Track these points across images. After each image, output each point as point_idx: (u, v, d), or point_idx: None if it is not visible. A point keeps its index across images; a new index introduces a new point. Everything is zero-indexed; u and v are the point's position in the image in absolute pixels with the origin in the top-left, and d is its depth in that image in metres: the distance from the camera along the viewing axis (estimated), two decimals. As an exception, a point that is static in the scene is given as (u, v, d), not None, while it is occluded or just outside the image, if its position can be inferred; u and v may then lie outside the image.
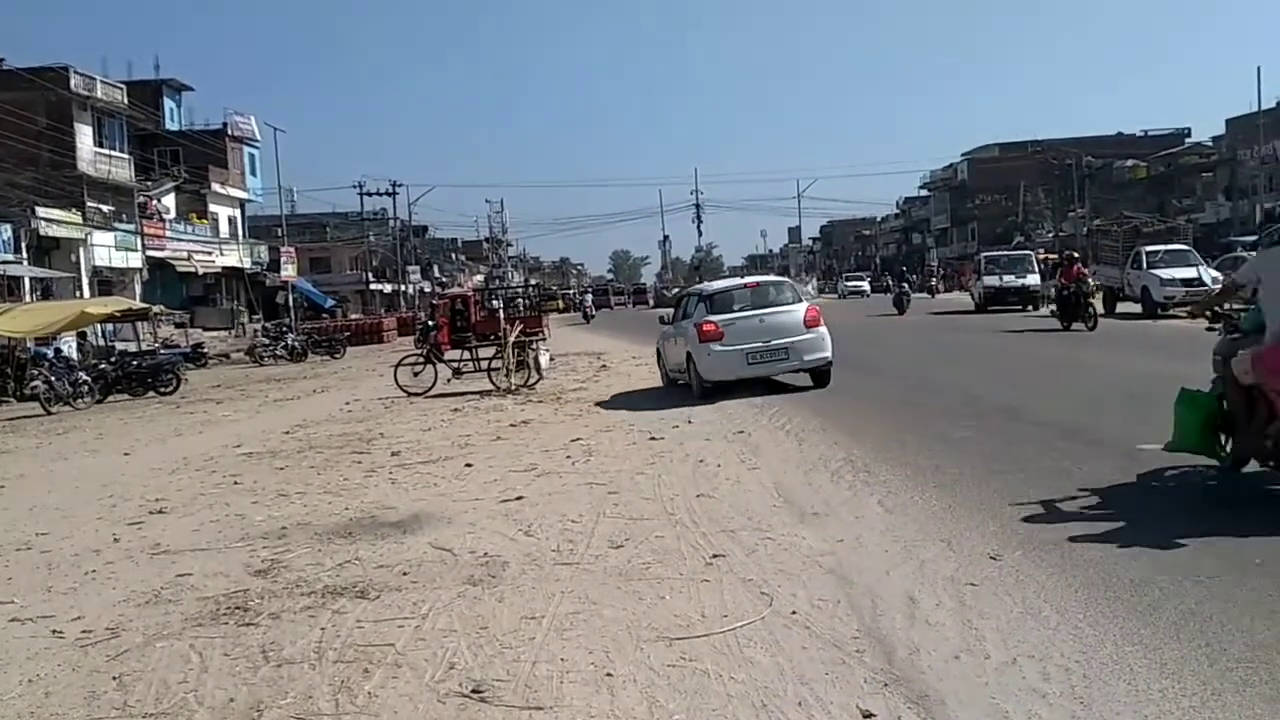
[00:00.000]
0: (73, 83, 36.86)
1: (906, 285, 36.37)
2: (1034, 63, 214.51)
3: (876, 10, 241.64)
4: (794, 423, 10.51)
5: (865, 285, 62.24)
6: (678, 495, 7.29)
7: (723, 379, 13.16)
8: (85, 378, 20.55)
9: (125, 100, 40.75)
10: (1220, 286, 8.11)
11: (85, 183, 37.51)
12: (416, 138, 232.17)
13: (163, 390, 21.69)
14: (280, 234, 49.34)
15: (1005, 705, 3.52)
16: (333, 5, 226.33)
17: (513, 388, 16.03)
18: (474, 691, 3.91)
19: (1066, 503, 6.17)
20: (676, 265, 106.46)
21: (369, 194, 61.67)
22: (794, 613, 4.59)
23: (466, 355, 17.70)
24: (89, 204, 37.48)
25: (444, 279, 78.44)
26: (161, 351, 25.72)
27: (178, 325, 34.74)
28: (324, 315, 51.75)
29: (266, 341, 33.49)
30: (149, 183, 43.49)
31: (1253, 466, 6.25)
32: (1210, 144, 65.01)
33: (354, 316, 53.48)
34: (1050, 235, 63.88)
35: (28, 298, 31.29)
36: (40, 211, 34.10)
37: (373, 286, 65.95)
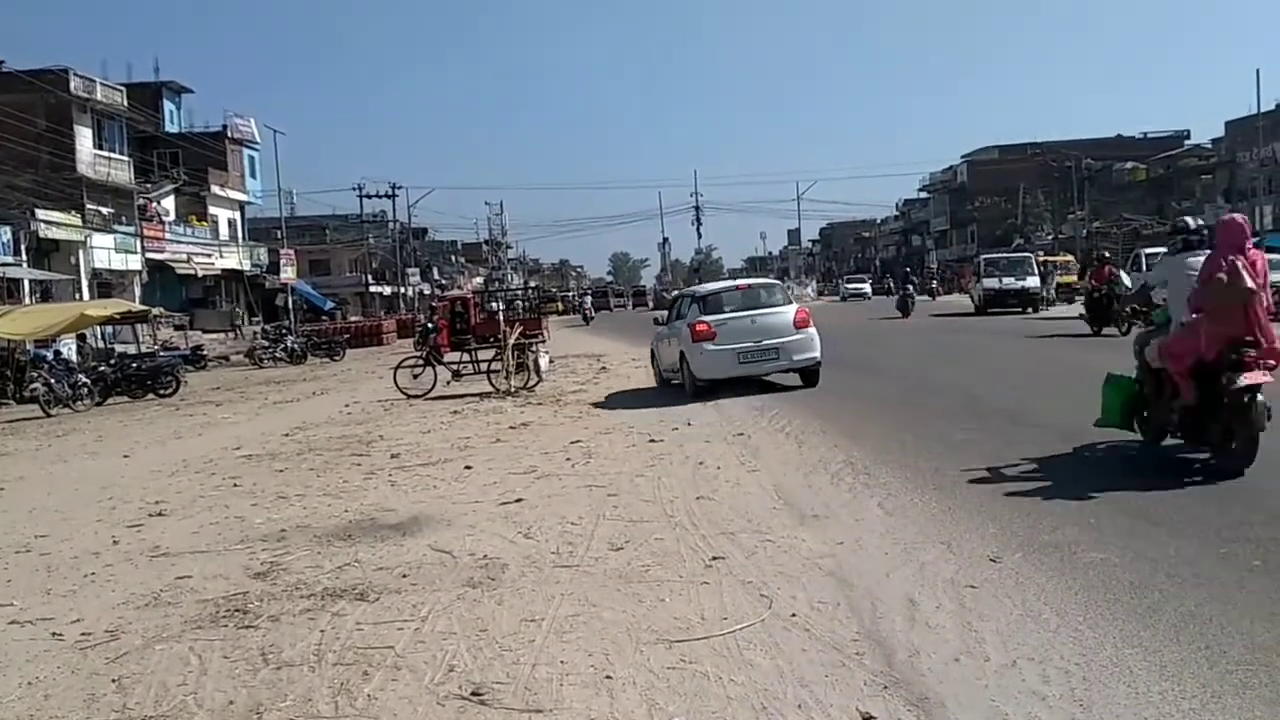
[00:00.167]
0: (72, 85, 36.88)
1: (911, 288, 35.78)
2: (1033, 65, 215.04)
3: (876, 12, 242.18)
4: (794, 425, 10.51)
5: (866, 287, 61.82)
6: (677, 497, 7.28)
7: (715, 377, 13.49)
8: (85, 380, 20.55)
9: (125, 102, 40.76)
10: (1137, 288, 9.59)
11: (85, 185, 37.50)
12: (416, 140, 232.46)
13: (162, 392, 21.69)
14: (280, 236, 49.38)
15: (1005, 708, 3.52)
16: (332, 7, 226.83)
17: (512, 390, 16.03)
18: (473, 694, 3.91)
19: (1008, 469, 7.27)
20: (676, 267, 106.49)
21: (368, 196, 61.62)
22: (794, 615, 4.59)
23: (466, 357, 17.70)
24: (88, 206, 37.48)
25: (443, 281, 78.49)
26: (161, 354, 25.73)
27: (177, 327, 34.75)
28: (323, 317, 51.74)
29: (266, 344, 33.48)
30: (148, 185, 43.49)
31: (1169, 441, 7.26)
32: (1209, 146, 65.09)
33: (353, 319, 53.46)
34: (1050, 237, 63.94)
35: (27, 300, 31.28)
36: (40, 214, 34.10)
37: (372, 289, 65.95)
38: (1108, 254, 23.23)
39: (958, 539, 5.65)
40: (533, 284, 43.82)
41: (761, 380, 14.32)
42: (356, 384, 22.00)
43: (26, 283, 32.89)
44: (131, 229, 40.31)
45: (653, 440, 10.12)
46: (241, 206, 52.42)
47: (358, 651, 4.47)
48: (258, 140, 50.94)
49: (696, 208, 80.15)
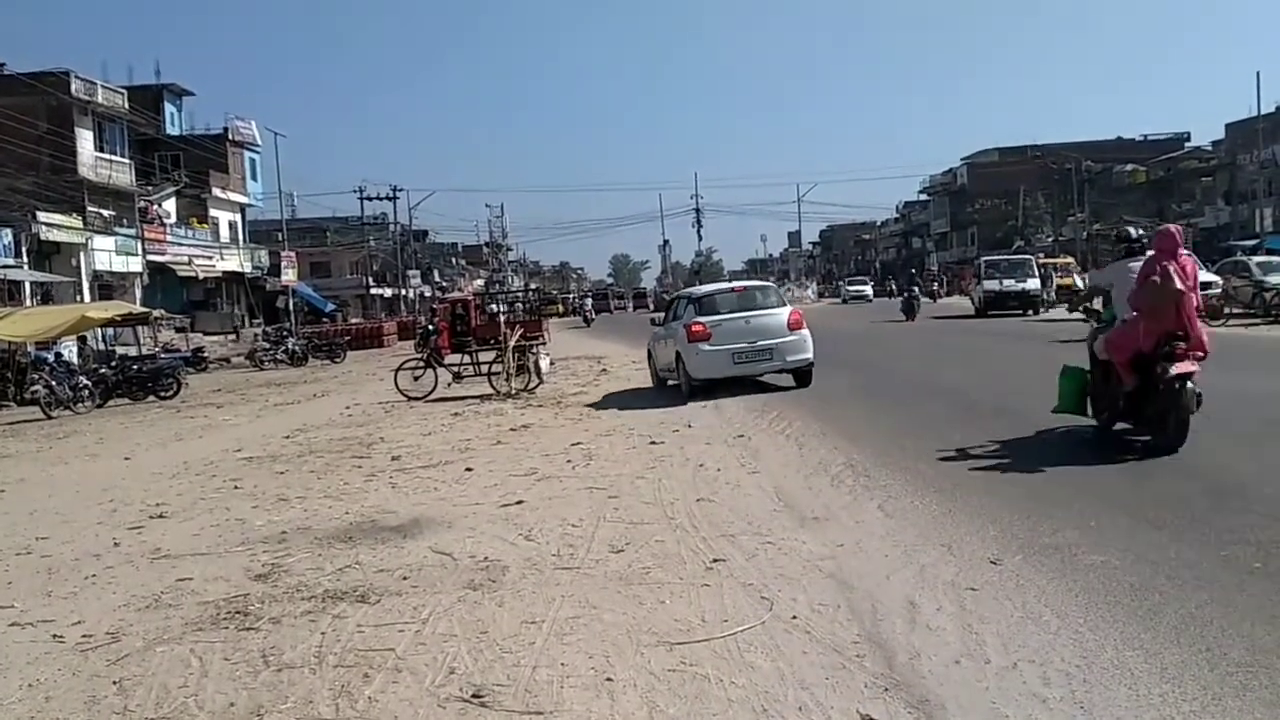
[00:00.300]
0: (73, 88, 36.91)
1: (917, 290, 35.03)
2: (1033, 67, 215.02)
3: (876, 15, 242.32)
4: (794, 427, 10.51)
5: (868, 290, 61.40)
6: (678, 500, 7.28)
7: (710, 377, 13.70)
8: (85, 382, 20.56)
9: (126, 105, 40.79)
10: (1087, 289, 10.84)
11: (86, 187, 37.52)
12: (416, 142, 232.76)
13: (163, 395, 21.70)
14: (281, 238, 49.37)
15: (1006, 710, 3.52)
16: (332, 10, 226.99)
17: (513, 392, 16.04)
18: (474, 696, 3.91)
19: (976, 449, 8.21)
20: (676, 269, 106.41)
21: (369, 199, 61.69)
22: (794, 617, 4.59)
23: (467, 360, 17.70)
24: (89, 208, 37.49)
25: (444, 283, 78.52)
26: (162, 356, 25.74)
27: (178, 330, 34.75)
28: (324, 320, 51.74)
29: (267, 346, 33.49)
30: (149, 187, 43.50)
31: (1120, 426, 8.10)
32: (1210, 148, 65.16)
33: (354, 321, 53.52)
34: (1050, 240, 64.01)
35: (28, 302, 31.31)
36: (41, 216, 34.11)
37: (373, 291, 66.01)
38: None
39: (958, 541, 5.65)
40: (533, 286, 43.82)
41: (761, 382, 14.37)
42: (357, 386, 22.00)
43: (27, 285, 32.90)
44: (132, 231, 40.33)
45: (653, 442, 10.13)
46: (242, 209, 52.45)
47: (358, 653, 4.47)
48: (259, 142, 50.98)
49: (697, 210, 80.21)
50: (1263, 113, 48.90)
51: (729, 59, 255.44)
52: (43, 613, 5.57)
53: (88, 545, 7.29)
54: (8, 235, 32.49)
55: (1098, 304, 9.63)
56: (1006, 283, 30.84)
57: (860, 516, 6.46)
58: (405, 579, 5.66)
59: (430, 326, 19.34)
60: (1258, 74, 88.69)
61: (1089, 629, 4.18)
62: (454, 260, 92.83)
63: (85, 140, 37.97)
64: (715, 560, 5.59)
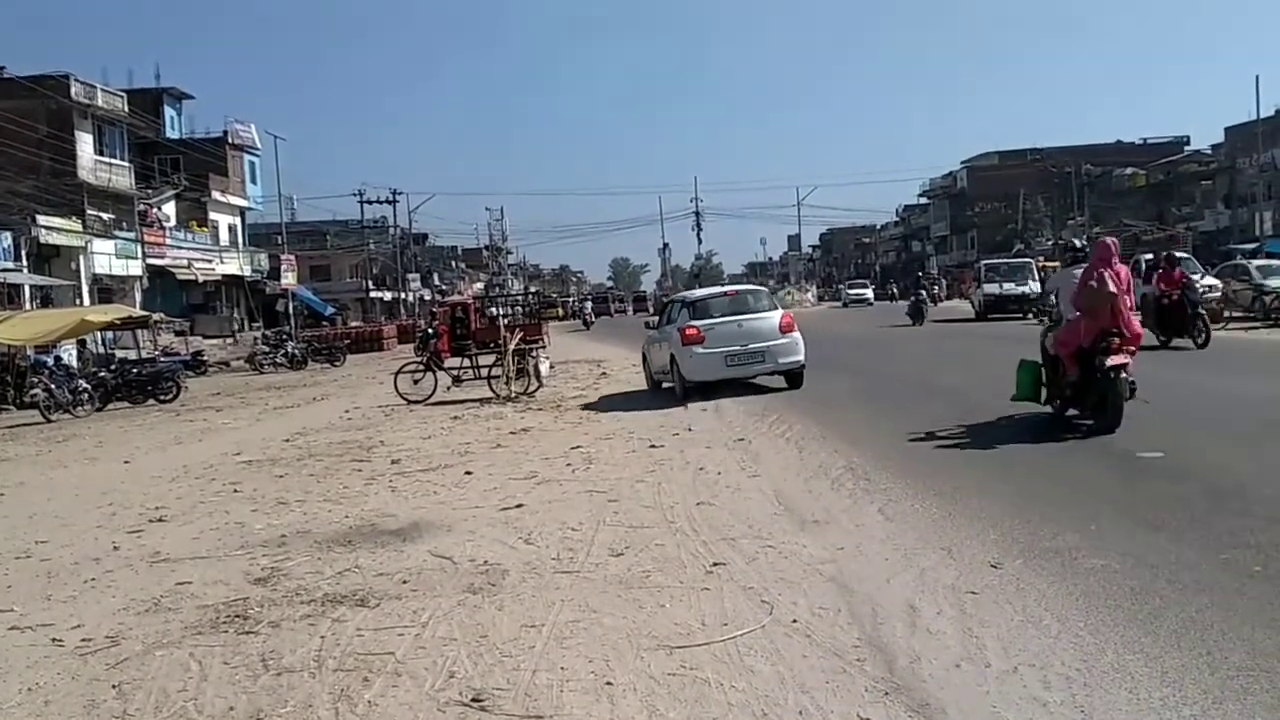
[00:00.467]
0: (73, 91, 36.93)
1: (924, 293, 34.28)
2: (1033, 71, 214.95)
3: (876, 18, 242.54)
4: (794, 430, 10.51)
5: (869, 293, 61.03)
6: (678, 503, 7.28)
7: (704, 379, 13.95)
8: (85, 385, 20.56)
9: (126, 108, 40.82)
10: (1042, 292, 12.93)
11: (86, 190, 37.54)
12: (416, 145, 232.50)
13: (163, 398, 21.68)
14: (280, 242, 49.41)
15: (1006, 714, 3.52)
16: (332, 14, 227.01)
17: (513, 395, 16.04)
18: (474, 700, 3.91)
19: (942, 431, 9.28)
20: (676, 273, 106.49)
21: (369, 202, 61.68)
22: (795, 621, 4.59)
23: (466, 363, 17.71)
24: (89, 212, 37.50)
25: (444, 287, 78.53)
26: (161, 359, 25.74)
27: (178, 333, 34.77)
28: (324, 323, 51.74)
29: (266, 349, 33.45)
30: (149, 190, 43.51)
31: (1070, 412, 9.13)
32: (1209, 152, 65.19)
33: (354, 324, 53.53)
34: (1050, 243, 63.93)
35: (28, 305, 31.30)
36: (41, 219, 34.12)
37: (373, 294, 65.97)
38: (1180, 254, 20.14)
39: (958, 545, 5.65)
40: (533, 289, 43.86)
41: (762, 385, 14.39)
42: (357, 389, 22.00)
43: (27, 288, 32.90)
44: (132, 234, 40.32)
45: (653, 446, 10.13)
46: (242, 212, 52.45)
47: (358, 657, 4.47)
48: (258, 146, 51.00)
49: (697, 213, 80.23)
50: (1262, 116, 48.90)
51: (729, 62, 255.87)
52: (42, 616, 5.56)
53: (87, 549, 7.29)
54: (7, 238, 32.50)
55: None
56: (1006, 286, 30.84)
57: (860, 520, 6.46)
58: (405, 583, 5.65)
59: (430, 330, 19.35)
60: (1257, 78, 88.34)
61: (1089, 633, 4.18)
62: (454, 263, 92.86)
63: (85, 143, 37.99)
64: (715, 564, 5.58)
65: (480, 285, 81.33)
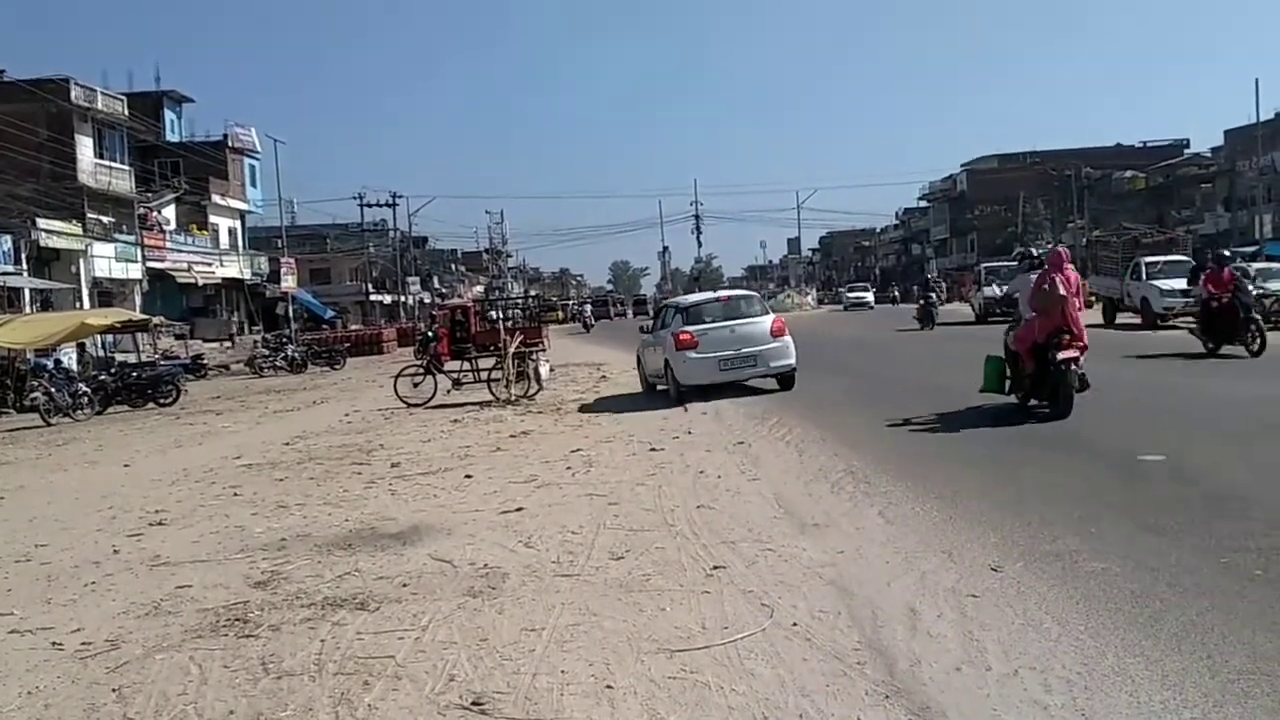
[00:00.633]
0: (73, 94, 36.95)
1: (934, 296, 32.44)
2: (1033, 74, 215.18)
3: (876, 21, 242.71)
4: (794, 433, 10.52)
5: (869, 296, 60.43)
6: (678, 506, 7.28)
7: (698, 383, 14.15)
8: (85, 389, 20.55)
9: (126, 112, 40.83)
10: (1003, 296, 14.34)
11: (85, 194, 37.56)
12: (416, 148, 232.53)
13: (162, 401, 21.69)
14: (280, 245, 49.42)
15: (1007, 717, 3.52)
16: (332, 17, 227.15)
17: (512, 398, 16.04)
18: (474, 704, 3.91)
19: (916, 418, 10.33)
20: (676, 276, 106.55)
21: (369, 205, 61.71)
22: (795, 624, 4.58)
23: (466, 366, 17.71)
24: (89, 215, 37.53)
25: (444, 290, 78.57)
26: (161, 363, 25.79)
27: (177, 336, 34.77)
28: (324, 326, 51.75)
29: (266, 353, 33.45)
30: (149, 194, 43.53)
31: (1032, 402, 10.09)
32: (1209, 155, 65.23)
33: (354, 327, 53.46)
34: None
35: (28, 309, 31.31)
36: (40, 223, 34.13)
37: (373, 297, 65.97)
38: (1228, 253, 19.09)
39: (959, 548, 5.64)
40: (533, 293, 43.97)
41: (762, 388, 14.40)
42: (357, 393, 21.99)
43: (27, 292, 32.92)
44: (132, 238, 40.34)
45: (653, 449, 10.13)
46: (242, 215, 52.47)
47: (358, 661, 4.47)
48: (258, 149, 51.07)
49: (696, 216, 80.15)
50: (1262, 119, 49.00)
51: (729, 65, 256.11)
52: (42, 620, 5.56)
53: (87, 552, 7.28)
54: (7, 242, 32.51)
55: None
56: (1006, 289, 30.82)
57: (861, 523, 6.45)
58: (405, 586, 5.65)
59: (430, 333, 19.37)
60: (1256, 81, 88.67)
61: (1090, 636, 4.18)
62: (454, 267, 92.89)
63: (85, 147, 38.00)
64: (715, 567, 5.58)
65: (480, 288, 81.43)
